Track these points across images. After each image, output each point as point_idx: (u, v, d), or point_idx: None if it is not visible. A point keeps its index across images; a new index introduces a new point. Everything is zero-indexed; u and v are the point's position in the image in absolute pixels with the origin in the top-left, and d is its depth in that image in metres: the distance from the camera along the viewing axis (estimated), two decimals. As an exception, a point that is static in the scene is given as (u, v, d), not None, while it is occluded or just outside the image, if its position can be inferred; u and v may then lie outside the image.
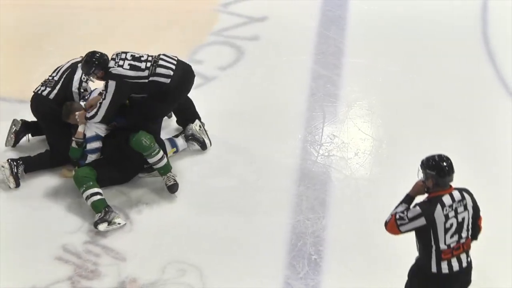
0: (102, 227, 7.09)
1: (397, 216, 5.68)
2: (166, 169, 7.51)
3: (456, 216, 5.57)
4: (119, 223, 7.15)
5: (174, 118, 8.26)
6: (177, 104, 7.78)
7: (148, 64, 7.37)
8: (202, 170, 7.90)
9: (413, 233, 5.69)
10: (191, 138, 8.00)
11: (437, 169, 5.62)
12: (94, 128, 7.43)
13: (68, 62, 7.92)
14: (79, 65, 7.60)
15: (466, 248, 5.66)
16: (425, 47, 9.79)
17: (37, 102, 7.74)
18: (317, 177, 7.81)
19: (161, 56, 7.48)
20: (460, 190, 5.66)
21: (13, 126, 7.95)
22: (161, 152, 7.45)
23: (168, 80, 7.36)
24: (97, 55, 7.37)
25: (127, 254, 6.91)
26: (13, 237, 7.08)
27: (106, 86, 7.29)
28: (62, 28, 10.13)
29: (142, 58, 7.41)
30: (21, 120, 7.98)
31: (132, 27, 10.06)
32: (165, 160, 7.48)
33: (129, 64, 7.31)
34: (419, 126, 8.49)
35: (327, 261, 6.91)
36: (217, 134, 8.25)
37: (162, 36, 9.91)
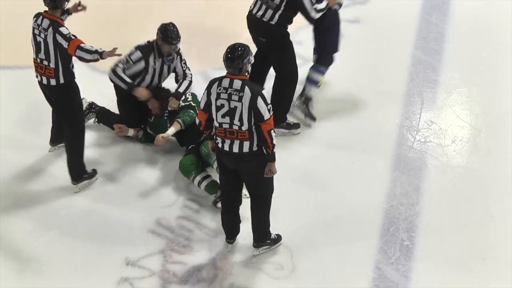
0: (220, 204, 7.11)
1: None
2: (210, 190, 7.36)
3: (228, 100, 6.21)
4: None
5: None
6: None
7: None
8: (300, 151, 7.90)
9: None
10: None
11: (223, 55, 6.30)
12: None
13: None
14: None
15: (240, 137, 6.27)
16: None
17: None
18: (413, 163, 7.74)
19: None
20: (246, 83, 6.22)
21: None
22: (199, 177, 7.36)
23: None
24: None
25: (219, 231, 6.96)
26: (109, 208, 7.23)
27: None
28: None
29: None
30: (90, 101, 8.14)
31: (235, 6, 10.11)
32: (206, 183, 7.36)
33: None
34: (519, 116, 8.31)
35: (420, 248, 6.85)
36: (315, 112, 8.25)
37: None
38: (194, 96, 7.87)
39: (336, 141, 8.06)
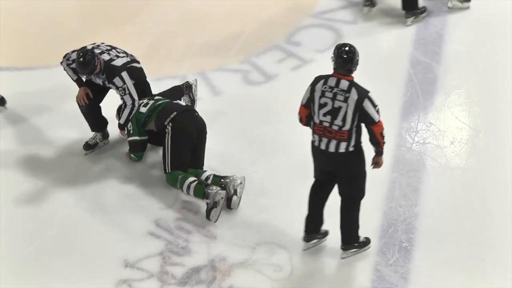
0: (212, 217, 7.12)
1: None
2: (197, 195, 7.28)
3: (333, 100, 6.29)
4: (222, 198, 7.11)
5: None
6: None
7: None
8: (298, 152, 7.88)
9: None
10: None
11: (334, 53, 6.32)
12: None
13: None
14: None
15: (338, 137, 6.34)
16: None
17: None
18: (411, 164, 7.73)
19: None
20: (353, 84, 6.30)
21: None
22: (185, 186, 7.27)
23: None
24: None
25: (217, 233, 6.97)
26: (109, 210, 7.23)
27: None
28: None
29: None
30: None
31: (234, 6, 10.10)
32: (192, 190, 7.26)
33: None
34: (518, 117, 8.31)
35: (418, 249, 6.85)
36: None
37: (262, 16, 9.92)
38: (153, 103, 7.63)
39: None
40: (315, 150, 6.54)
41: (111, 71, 7.45)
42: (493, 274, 6.62)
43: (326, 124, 6.34)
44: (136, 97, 7.49)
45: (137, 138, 7.56)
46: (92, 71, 7.35)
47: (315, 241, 6.84)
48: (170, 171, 7.27)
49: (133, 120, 7.55)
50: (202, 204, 7.23)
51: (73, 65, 7.51)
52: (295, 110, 8.24)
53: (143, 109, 7.53)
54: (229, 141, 8.08)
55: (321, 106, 6.34)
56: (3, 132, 8.13)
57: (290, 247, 6.84)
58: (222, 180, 7.24)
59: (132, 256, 6.78)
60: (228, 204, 7.22)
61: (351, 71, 6.31)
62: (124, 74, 7.44)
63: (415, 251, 6.84)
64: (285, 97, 8.59)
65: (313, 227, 6.83)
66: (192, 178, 7.20)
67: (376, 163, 6.59)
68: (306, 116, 6.52)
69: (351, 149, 6.42)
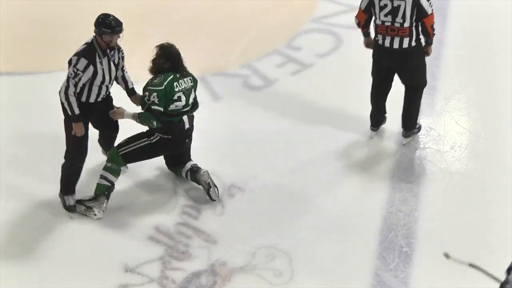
0: (79, 208, 7.17)
1: None
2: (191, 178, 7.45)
3: (391, 0, 7.25)
4: (94, 214, 7.15)
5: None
6: None
7: None
8: (298, 157, 7.91)
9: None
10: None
11: None
12: None
13: None
14: None
15: (401, 34, 7.33)
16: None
17: None
18: (411, 169, 7.74)
19: None
20: None
21: None
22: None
23: None
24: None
25: (217, 237, 6.97)
26: (107, 216, 7.20)
27: None
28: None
29: None
30: None
31: (234, 10, 10.11)
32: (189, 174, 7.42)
33: None
34: (518, 121, 8.31)
35: (418, 254, 6.83)
36: (312, 121, 8.26)
37: (262, 20, 9.94)
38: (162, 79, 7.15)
39: (334, 147, 8.06)
40: (379, 48, 7.52)
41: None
42: (494, 279, 6.63)
43: (388, 24, 7.31)
44: None
45: (161, 109, 7.07)
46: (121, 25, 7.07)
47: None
48: (122, 158, 7.21)
49: (161, 93, 7.03)
50: (203, 209, 7.26)
51: (83, 77, 7.01)
52: (295, 114, 8.34)
53: (179, 96, 7.12)
54: (229, 145, 8.08)
55: (382, 8, 7.28)
56: (2, 136, 8.15)
57: (290, 251, 6.83)
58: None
59: (132, 261, 6.76)
60: (210, 197, 7.33)
61: None
62: None
63: (415, 256, 6.82)
64: (285, 101, 8.63)
65: (378, 121, 8.05)
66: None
67: (426, 52, 7.57)
68: (365, 20, 7.51)
69: (413, 43, 7.40)
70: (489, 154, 7.92)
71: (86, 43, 7.10)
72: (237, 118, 8.49)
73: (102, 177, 7.20)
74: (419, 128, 8.08)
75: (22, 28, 9.94)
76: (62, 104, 7.09)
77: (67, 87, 7.00)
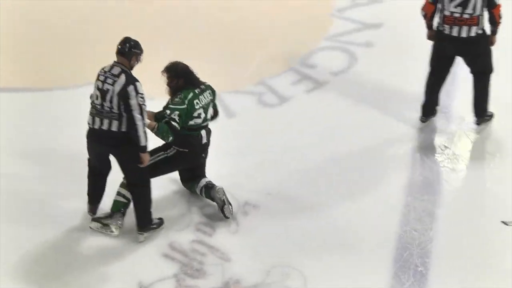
0: (94, 225, 7.17)
1: None
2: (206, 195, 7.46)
3: None
4: (111, 231, 7.15)
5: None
6: None
7: None
8: (311, 175, 7.89)
9: None
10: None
11: None
12: None
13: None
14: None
15: (469, 23, 7.79)
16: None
17: None
18: (426, 188, 7.71)
19: None
20: None
21: None
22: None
23: None
24: None
25: (232, 255, 6.96)
26: (123, 232, 7.19)
27: None
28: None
29: None
30: None
31: (249, 28, 10.13)
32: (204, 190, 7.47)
33: None
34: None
35: (434, 273, 6.81)
36: (326, 138, 8.25)
37: (277, 38, 9.95)
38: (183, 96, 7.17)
39: (349, 165, 8.05)
40: (445, 37, 7.92)
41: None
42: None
43: (457, 15, 7.77)
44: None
45: (178, 127, 7.02)
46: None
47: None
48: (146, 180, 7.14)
49: (183, 112, 7.04)
50: (217, 226, 7.26)
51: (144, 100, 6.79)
52: (310, 132, 8.33)
53: (199, 113, 7.17)
54: (243, 162, 8.08)
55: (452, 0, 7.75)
56: (6, 150, 8.17)
57: (305, 271, 6.81)
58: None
59: (147, 278, 6.75)
60: (224, 215, 7.32)
61: None
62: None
63: (430, 276, 6.80)
64: (300, 119, 8.62)
65: (430, 111, 8.33)
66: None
67: (491, 41, 8.04)
68: (432, 12, 7.94)
69: (480, 31, 7.89)
70: (504, 174, 7.87)
71: (122, 70, 6.80)
72: (251, 134, 8.49)
73: (119, 194, 7.20)
74: (491, 116, 8.40)
75: (22, 29, 9.95)
76: (137, 135, 6.75)
77: (143, 116, 6.76)
